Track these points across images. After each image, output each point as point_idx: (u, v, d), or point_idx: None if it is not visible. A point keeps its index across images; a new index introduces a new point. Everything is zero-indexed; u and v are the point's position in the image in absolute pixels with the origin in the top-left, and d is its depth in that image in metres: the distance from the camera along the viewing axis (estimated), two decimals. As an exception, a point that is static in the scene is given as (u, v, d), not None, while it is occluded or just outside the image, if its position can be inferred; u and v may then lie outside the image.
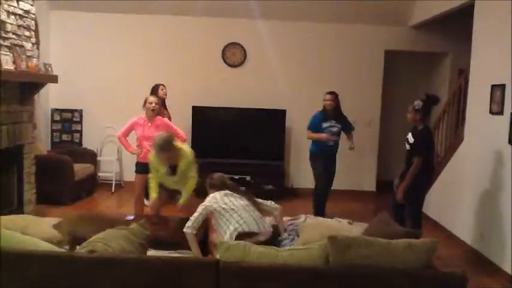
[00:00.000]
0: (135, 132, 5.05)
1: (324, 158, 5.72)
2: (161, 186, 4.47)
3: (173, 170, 4.27)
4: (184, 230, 3.48)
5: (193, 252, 3.47)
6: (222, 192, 3.66)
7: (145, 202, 5.12)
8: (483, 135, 5.01)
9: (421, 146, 4.42)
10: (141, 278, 2.32)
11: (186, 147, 4.40)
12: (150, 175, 4.44)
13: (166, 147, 4.07)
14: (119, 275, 2.32)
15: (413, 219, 4.48)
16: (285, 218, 4.17)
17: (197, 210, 3.57)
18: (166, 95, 6.24)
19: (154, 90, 6.05)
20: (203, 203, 3.61)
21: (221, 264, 2.35)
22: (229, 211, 3.47)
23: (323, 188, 5.81)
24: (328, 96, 5.72)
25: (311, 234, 3.17)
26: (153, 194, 4.38)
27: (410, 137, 4.55)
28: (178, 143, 4.33)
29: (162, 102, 6.11)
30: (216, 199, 3.58)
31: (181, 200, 4.29)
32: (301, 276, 2.33)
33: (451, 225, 5.59)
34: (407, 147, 4.56)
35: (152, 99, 5.02)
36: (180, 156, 4.23)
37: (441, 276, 2.42)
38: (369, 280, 2.34)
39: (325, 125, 5.66)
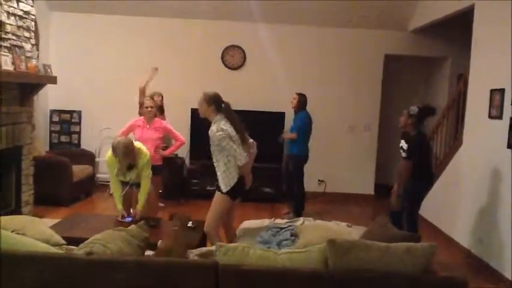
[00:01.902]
0: (133, 134, 5.04)
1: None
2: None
3: (129, 167, 4.36)
4: (240, 164, 3.85)
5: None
6: (228, 126, 3.96)
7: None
8: (482, 139, 5.01)
9: (414, 150, 4.44)
10: (140, 281, 2.31)
11: (143, 148, 4.46)
12: (111, 181, 4.47)
13: (128, 151, 4.19)
14: (117, 277, 2.30)
15: (408, 224, 4.48)
16: (283, 220, 4.17)
17: (222, 143, 3.85)
18: (162, 102, 6.22)
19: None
20: (220, 133, 3.86)
21: (220, 267, 2.34)
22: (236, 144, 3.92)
23: None
24: (293, 95, 6.26)
25: (311, 237, 3.17)
26: (119, 205, 4.39)
27: (403, 144, 4.57)
28: (135, 143, 4.42)
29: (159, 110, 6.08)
30: (227, 130, 3.91)
31: (139, 206, 4.37)
32: (300, 280, 2.32)
33: (450, 229, 5.58)
34: (403, 154, 4.58)
35: (148, 103, 5.07)
36: (138, 154, 4.33)
37: (441, 280, 2.41)
38: (368, 284, 2.33)
39: None
